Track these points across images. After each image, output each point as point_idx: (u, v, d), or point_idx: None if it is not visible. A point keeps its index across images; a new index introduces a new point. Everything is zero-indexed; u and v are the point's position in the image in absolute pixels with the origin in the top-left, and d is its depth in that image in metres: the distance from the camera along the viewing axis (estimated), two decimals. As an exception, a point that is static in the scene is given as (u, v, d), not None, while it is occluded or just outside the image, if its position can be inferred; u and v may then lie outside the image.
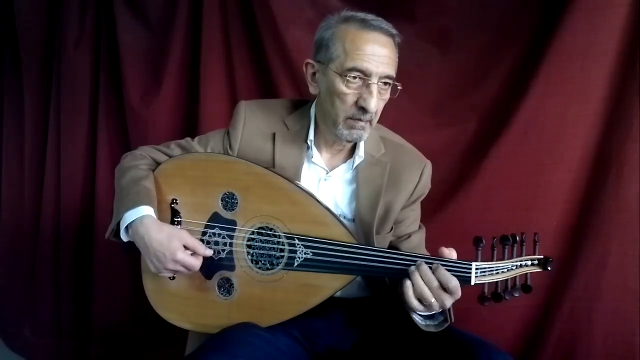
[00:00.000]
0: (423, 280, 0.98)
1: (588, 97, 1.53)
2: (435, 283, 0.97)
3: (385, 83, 1.10)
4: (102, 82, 2.08)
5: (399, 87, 1.12)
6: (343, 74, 1.07)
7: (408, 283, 0.99)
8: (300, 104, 1.28)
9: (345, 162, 1.23)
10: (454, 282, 0.96)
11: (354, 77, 1.07)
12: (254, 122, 1.23)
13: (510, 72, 1.63)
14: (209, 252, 1.13)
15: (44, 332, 2.22)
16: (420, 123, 1.67)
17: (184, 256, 1.09)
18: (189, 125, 1.98)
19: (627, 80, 1.49)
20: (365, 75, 1.07)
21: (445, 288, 0.97)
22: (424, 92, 1.69)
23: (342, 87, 1.08)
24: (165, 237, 1.08)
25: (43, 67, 2.19)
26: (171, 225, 1.15)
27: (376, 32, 1.08)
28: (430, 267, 0.98)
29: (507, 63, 1.63)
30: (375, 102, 1.09)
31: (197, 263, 1.11)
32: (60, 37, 2.10)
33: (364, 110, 1.09)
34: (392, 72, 1.10)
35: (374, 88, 1.07)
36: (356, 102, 1.09)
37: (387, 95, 1.13)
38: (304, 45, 1.75)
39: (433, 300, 0.97)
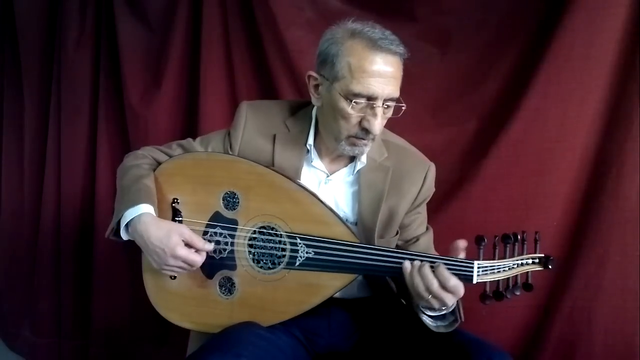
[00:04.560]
0: (423, 281, 0.98)
1: (588, 97, 1.53)
2: (436, 283, 0.97)
3: (389, 105, 1.09)
4: (102, 82, 2.07)
5: (403, 108, 1.10)
6: (348, 97, 1.06)
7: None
8: (303, 105, 1.27)
9: (346, 166, 1.22)
10: (452, 282, 0.96)
11: (359, 101, 1.06)
12: (255, 123, 1.22)
13: (510, 72, 1.63)
14: (209, 247, 1.12)
15: (44, 332, 2.21)
16: (420, 123, 1.67)
17: (185, 252, 1.08)
18: (189, 125, 1.98)
19: (627, 80, 1.49)
20: (370, 99, 1.05)
21: (444, 286, 0.97)
22: (424, 92, 1.68)
23: (347, 109, 1.06)
24: (164, 234, 1.07)
25: (43, 67, 2.18)
26: (171, 222, 1.14)
27: (384, 53, 1.04)
28: (432, 266, 0.98)
29: (507, 63, 1.63)
30: (379, 124, 1.08)
31: (199, 259, 1.10)
32: (60, 37, 2.10)
33: (367, 130, 1.08)
34: (396, 93, 1.08)
35: (379, 111, 1.06)
36: (360, 122, 1.08)
37: (390, 114, 1.11)
38: (304, 45, 1.75)
39: (430, 297, 0.98)
